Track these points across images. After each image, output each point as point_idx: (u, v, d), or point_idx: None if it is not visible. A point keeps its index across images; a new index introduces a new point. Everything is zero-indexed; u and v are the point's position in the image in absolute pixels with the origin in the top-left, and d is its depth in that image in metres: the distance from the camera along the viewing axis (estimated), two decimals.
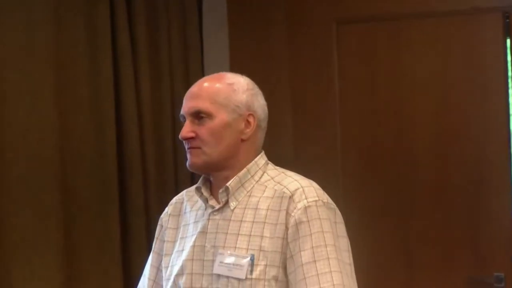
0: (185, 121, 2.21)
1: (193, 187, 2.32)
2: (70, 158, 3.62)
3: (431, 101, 3.88)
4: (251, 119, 2.19)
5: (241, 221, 2.16)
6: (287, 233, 2.10)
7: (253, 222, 2.14)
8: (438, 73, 3.87)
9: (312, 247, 2.08)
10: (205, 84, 2.21)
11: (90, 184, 3.68)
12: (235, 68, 3.85)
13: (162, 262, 2.32)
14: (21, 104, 3.48)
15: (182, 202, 2.35)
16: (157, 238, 2.39)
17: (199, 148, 2.16)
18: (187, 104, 2.20)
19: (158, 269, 2.37)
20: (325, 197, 2.17)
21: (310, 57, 4.02)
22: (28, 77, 3.51)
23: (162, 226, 2.37)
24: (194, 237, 2.22)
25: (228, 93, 2.18)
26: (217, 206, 2.20)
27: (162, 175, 3.95)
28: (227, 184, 2.18)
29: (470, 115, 3.84)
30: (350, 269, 2.12)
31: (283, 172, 2.24)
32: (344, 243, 2.15)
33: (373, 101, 3.96)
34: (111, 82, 3.76)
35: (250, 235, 2.13)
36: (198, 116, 2.17)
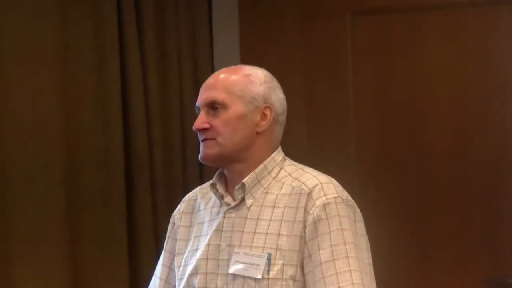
0: (200, 112, 2.20)
1: (207, 183, 2.29)
2: (76, 157, 3.63)
3: (448, 96, 3.86)
4: (267, 112, 2.18)
5: (258, 219, 2.14)
6: (305, 231, 2.09)
7: (270, 220, 2.13)
8: (455, 66, 3.85)
9: (331, 245, 2.06)
10: (222, 76, 2.21)
11: (96, 182, 3.69)
12: (246, 62, 3.79)
13: (175, 261, 2.30)
14: (25, 101, 3.49)
15: (196, 199, 2.32)
16: (168, 237, 2.36)
17: (213, 139, 2.15)
18: (203, 95, 2.20)
19: (170, 268, 2.34)
20: (345, 194, 2.15)
21: (324, 49, 4.02)
22: (32, 74, 3.52)
23: (174, 224, 2.35)
24: (209, 235, 2.20)
25: (244, 84, 2.18)
26: (233, 204, 2.18)
27: (170, 174, 3.94)
28: (244, 181, 2.16)
29: (489, 110, 3.80)
30: (369, 269, 2.11)
31: (301, 168, 2.21)
32: (364, 241, 2.14)
33: (389, 95, 3.95)
34: (118, 78, 3.76)
35: (267, 233, 2.12)
36: (213, 107, 2.17)
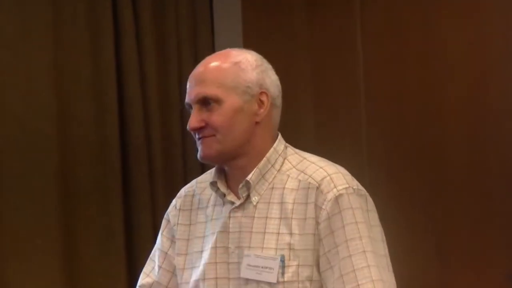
0: (191, 109, 2.13)
1: (204, 176, 2.24)
2: (69, 147, 3.64)
3: (467, 81, 3.75)
4: (264, 98, 2.11)
5: (266, 217, 2.09)
6: (318, 228, 2.04)
7: (280, 218, 2.08)
8: (474, 49, 3.72)
9: (346, 240, 2.02)
10: (209, 66, 2.13)
11: (91, 175, 3.70)
12: (249, 45, 4.07)
13: (175, 263, 2.23)
14: (16, 88, 3.50)
15: (193, 195, 2.25)
16: (162, 235, 2.29)
17: (212, 136, 2.09)
18: (192, 91, 2.12)
19: (161, 268, 2.29)
20: (355, 183, 2.10)
21: (332, 31, 3.96)
22: (23, 60, 3.53)
23: (169, 221, 2.27)
24: (215, 236, 2.15)
25: (235, 73, 2.10)
26: (238, 202, 2.12)
27: (169, 164, 3.94)
28: (248, 178, 2.10)
29: (510, 96, 3.65)
30: (386, 261, 2.08)
31: (305, 158, 2.15)
32: (378, 232, 2.10)
33: (401, 81, 3.87)
34: (112, 62, 3.76)
35: (278, 233, 2.07)
36: (206, 102, 2.09)
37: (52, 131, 3.57)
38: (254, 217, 2.10)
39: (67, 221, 3.58)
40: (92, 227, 3.65)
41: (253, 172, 2.10)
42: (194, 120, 2.08)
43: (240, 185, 2.10)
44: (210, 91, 2.07)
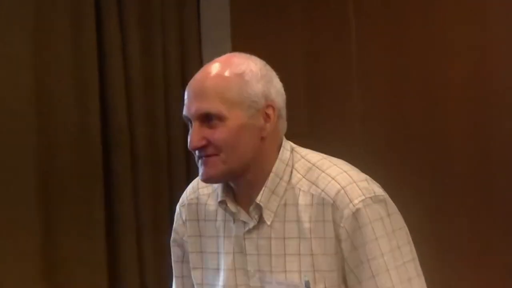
0: (190, 123, 2.01)
1: (207, 186, 2.14)
2: (49, 133, 3.62)
3: (467, 68, 3.68)
4: (270, 111, 2.00)
5: (284, 238, 2.02)
6: (340, 247, 1.98)
7: (299, 238, 2.01)
8: (475, 35, 3.67)
9: (368, 260, 1.96)
10: (210, 77, 1.99)
11: (71, 161, 3.67)
12: (236, 27, 3.95)
13: (193, 276, 2.17)
14: None
15: (197, 204, 2.17)
16: (178, 262, 2.23)
17: (215, 155, 1.98)
18: (192, 105, 1.99)
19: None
20: (371, 189, 2.00)
21: (325, 17, 3.93)
22: (2, 39, 3.51)
23: (183, 247, 2.20)
24: (231, 256, 2.09)
25: (239, 86, 1.97)
26: (251, 224, 2.05)
27: (153, 151, 3.93)
28: (258, 201, 2.02)
29: None
30: (414, 266, 2.03)
31: (313, 164, 2.05)
32: (402, 235, 2.04)
33: (399, 69, 3.82)
34: (94, 45, 3.74)
35: (299, 254, 2.01)
36: (208, 118, 1.98)
37: (31, 117, 3.54)
38: (271, 238, 2.03)
39: (46, 211, 3.56)
40: (72, 214, 3.63)
41: (262, 192, 2.02)
42: (195, 139, 1.97)
43: (251, 208, 2.03)
44: (213, 107, 1.95)
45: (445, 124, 3.77)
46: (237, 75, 1.98)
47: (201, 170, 2.00)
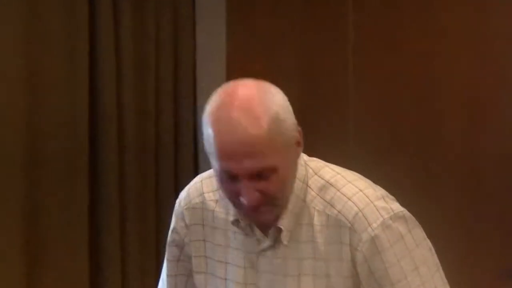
0: (229, 176, 1.90)
1: (211, 184, 2.09)
2: (35, 119, 3.62)
3: (465, 60, 3.73)
4: (298, 135, 1.96)
5: (299, 258, 2.00)
6: (357, 271, 1.96)
7: (314, 258, 1.99)
8: (473, 25, 3.72)
9: (393, 284, 1.94)
10: (253, 129, 1.85)
11: (57, 149, 3.67)
12: (232, 16, 3.94)
13: (195, 279, 2.14)
14: None
15: (203, 208, 2.12)
16: (174, 261, 2.19)
17: (271, 205, 1.94)
18: (240, 164, 1.87)
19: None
20: (389, 208, 1.97)
21: (321, 6, 3.96)
22: None
23: (183, 248, 2.16)
24: (242, 271, 2.06)
25: (280, 130, 1.88)
26: (266, 243, 2.01)
27: (142, 140, 3.94)
28: (280, 226, 1.98)
29: (510, 73, 3.65)
30: (439, 276, 2.00)
31: (327, 181, 2.01)
32: (424, 248, 2.01)
33: (395, 59, 3.86)
34: (85, 27, 3.75)
35: (315, 275, 1.99)
36: (260, 173, 1.89)
37: (18, 103, 3.54)
38: (286, 258, 2.00)
39: (30, 199, 3.57)
40: (56, 203, 3.63)
41: (285, 217, 1.97)
42: (252, 198, 1.88)
43: (270, 231, 1.99)
44: (267, 163, 1.86)
45: (440, 120, 3.78)
46: (275, 118, 1.87)
47: (250, 217, 1.96)
